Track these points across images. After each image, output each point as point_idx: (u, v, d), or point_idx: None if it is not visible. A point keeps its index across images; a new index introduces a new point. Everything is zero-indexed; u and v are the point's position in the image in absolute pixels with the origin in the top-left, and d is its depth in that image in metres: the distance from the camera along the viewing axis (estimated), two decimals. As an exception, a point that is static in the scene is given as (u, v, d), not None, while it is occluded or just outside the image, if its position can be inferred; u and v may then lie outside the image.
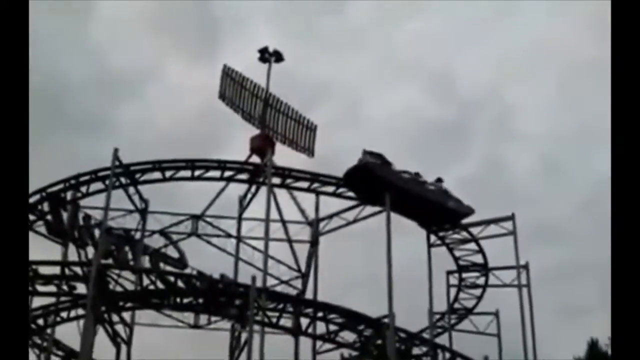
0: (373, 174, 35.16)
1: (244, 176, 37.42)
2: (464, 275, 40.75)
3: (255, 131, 38.06)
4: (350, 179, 35.79)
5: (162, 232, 35.68)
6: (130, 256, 33.86)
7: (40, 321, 34.85)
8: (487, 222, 39.03)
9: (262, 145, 37.20)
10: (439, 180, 37.81)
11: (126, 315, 33.85)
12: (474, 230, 38.96)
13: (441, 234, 38.87)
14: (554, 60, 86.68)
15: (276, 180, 37.05)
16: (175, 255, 34.94)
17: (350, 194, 37.52)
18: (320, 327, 33.65)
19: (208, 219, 36.56)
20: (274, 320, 32.44)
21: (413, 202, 36.41)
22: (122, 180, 35.28)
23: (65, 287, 32.32)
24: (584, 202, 78.97)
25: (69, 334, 34.65)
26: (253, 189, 37.53)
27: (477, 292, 41.08)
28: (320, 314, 33.15)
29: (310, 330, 33.79)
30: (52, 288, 32.31)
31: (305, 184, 38.16)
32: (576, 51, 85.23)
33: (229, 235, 36.73)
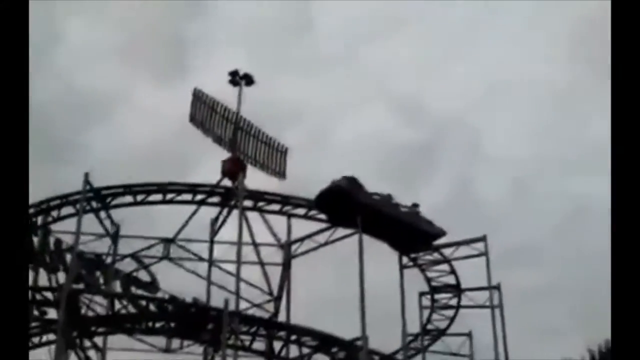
0: (345, 196, 35.17)
1: (215, 199, 37.38)
2: (437, 296, 40.82)
3: (227, 154, 38.03)
4: (322, 201, 35.78)
5: (134, 256, 35.53)
6: (101, 280, 33.69)
7: (11, 347, 34.54)
8: (459, 244, 39.18)
9: (233, 169, 37.15)
10: (415, 205, 37.91)
11: (98, 340, 33.56)
12: (446, 252, 39.08)
13: (413, 255, 38.91)
14: (525, 85, 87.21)
15: (248, 203, 37.03)
16: (147, 279, 34.81)
17: (322, 216, 37.53)
18: (294, 350, 33.56)
19: (180, 243, 36.48)
20: (247, 343, 32.34)
21: (385, 224, 36.43)
22: (93, 204, 35.12)
23: (36, 312, 32.07)
24: (555, 225, 79.35)
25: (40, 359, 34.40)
26: (225, 212, 37.44)
27: (450, 313, 41.15)
28: (293, 337, 33.09)
29: (283, 353, 33.67)
30: (22, 313, 32.01)
31: (277, 207, 38.15)
32: (549, 76, 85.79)
33: (201, 259, 36.65)
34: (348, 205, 35.03)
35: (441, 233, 38.33)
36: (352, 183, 35.49)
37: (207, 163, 43.66)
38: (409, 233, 37.43)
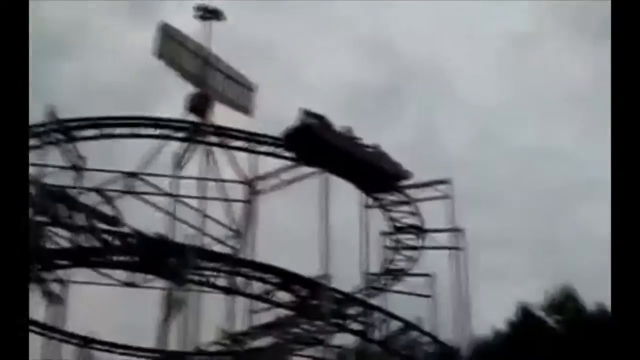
0: (313, 134, 35.13)
1: (181, 134, 37.16)
2: (400, 237, 40.99)
3: (194, 90, 37.73)
4: (291, 139, 35.70)
5: (98, 190, 35.31)
6: (65, 213, 33.56)
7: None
8: (424, 185, 39.29)
9: (199, 104, 36.94)
10: (375, 147, 37.85)
11: (61, 273, 33.52)
12: (411, 193, 39.21)
13: (377, 195, 39.01)
14: (492, 29, 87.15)
15: (213, 139, 36.89)
16: (111, 213, 34.69)
17: (288, 154, 37.47)
18: (256, 287, 33.66)
19: (144, 177, 36.26)
20: (210, 279, 32.39)
21: (351, 163, 36.48)
22: (58, 136, 34.85)
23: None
24: (517, 171, 79.86)
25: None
26: (190, 147, 37.24)
27: (413, 254, 41.38)
28: (256, 274, 33.17)
29: (246, 289, 33.77)
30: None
31: (242, 144, 38.00)
32: (515, 22, 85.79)
33: (165, 194, 36.45)
34: (316, 144, 34.98)
35: (406, 175, 38.41)
36: (320, 122, 35.39)
37: (173, 98, 43.39)
38: (374, 173, 37.49)
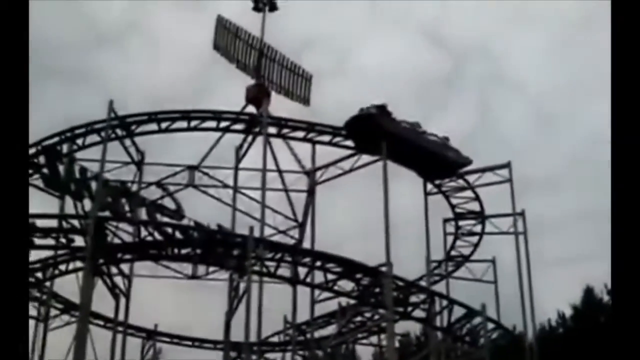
0: (373, 123, 35.11)
1: (240, 126, 37.35)
2: (461, 223, 40.96)
3: (251, 81, 37.93)
4: (351, 127, 35.70)
5: (159, 184, 35.65)
6: (127, 208, 33.84)
7: (39, 274, 34.89)
8: (483, 170, 39.18)
9: (257, 95, 37.12)
10: (446, 138, 37.93)
11: (124, 267, 33.86)
12: (470, 178, 39.13)
13: (438, 182, 38.95)
14: (547, 13, 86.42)
15: (272, 130, 37.03)
16: (172, 206, 34.92)
17: (347, 142, 37.49)
18: (318, 277, 33.63)
19: (204, 170, 36.54)
20: (272, 270, 32.42)
21: (413, 151, 36.50)
22: (118, 132, 35.19)
23: (63, 240, 32.25)
24: (577, 153, 79.18)
25: (67, 286, 34.78)
26: (249, 139, 37.39)
27: (474, 239, 41.28)
28: (317, 264, 33.13)
29: (308, 279, 33.79)
30: (50, 241, 32.18)
31: (301, 134, 38.11)
32: (570, 5, 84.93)
33: (225, 186, 36.69)
34: (376, 132, 34.95)
35: (467, 162, 38.34)
36: (380, 110, 35.41)
37: (231, 90, 43.63)
38: (435, 161, 37.46)
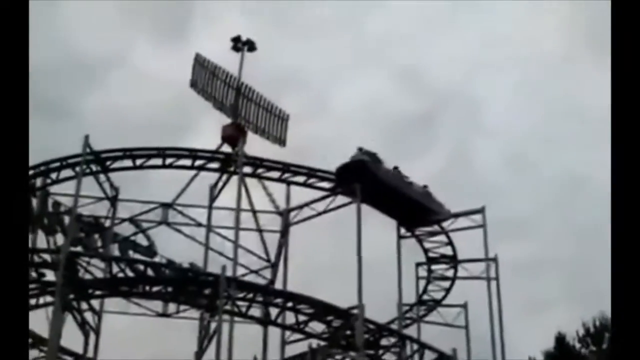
0: (366, 171, 35.66)
1: (215, 165, 37.34)
2: (433, 267, 41.05)
3: (227, 120, 37.97)
4: (343, 174, 35.96)
5: (132, 220, 35.50)
6: (99, 244, 33.74)
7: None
8: (457, 215, 39.33)
9: (233, 135, 37.13)
10: (425, 186, 38.43)
11: (95, 302, 33.61)
12: (444, 223, 39.28)
13: (416, 229, 39.30)
14: (522, 57, 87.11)
15: (247, 169, 37.05)
16: (145, 243, 34.91)
17: (322, 184, 37.61)
18: (290, 317, 33.61)
19: (178, 208, 36.44)
20: (243, 309, 32.36)
21: (399, 201, 37.25)
22: (93, 167, 35.09)
23: (34, 274, 32.05)
24: (551, 198, 79.50)
25: (37, 321, 34.46)
26: (224, 178, 37.36)
27: (446, 284, 41.36)
28: (289, 304, 33.11)
29: (279, 320, 33.74)
30: (20, 275, 31.91)
31: (276, 174, 38.16)
32: (545, 49, 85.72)
33: (199, 224, 36.58)
34: (367, 180, 35.27)
35: (449, 216, 38.80)
36: (372, 158, 35.85)
37: (207, 129, 43.63)
38: (419, 212, 37.94)
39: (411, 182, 37.91)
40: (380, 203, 36.84)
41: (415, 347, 35.35)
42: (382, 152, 36.83)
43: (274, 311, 33.42)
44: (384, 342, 34.49)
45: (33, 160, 34.93)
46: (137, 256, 34.09)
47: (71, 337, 33.12)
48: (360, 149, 36.27)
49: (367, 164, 35.84)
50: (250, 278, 35.81)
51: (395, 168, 37.52)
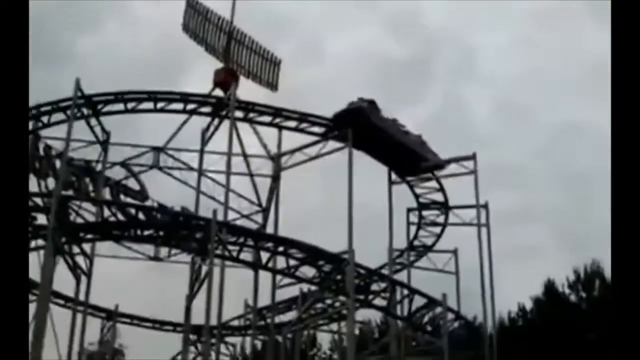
0: (363, 117, 35.73)
1: (206, 109, 37.21)
2: (424, 213, 41.14)
3: (219, 64, 37.82)
4: (339, 120, 35.88)
5: (124, 164, 35.45)
6: (91, 187, 33.71)
7: (0, 251, 34.55)
8: (449, 161, 39.37)
9: (225, 79, 36.99)
10: (419, 136, 38.60)
11: (86, 246, 33.67)
12: (436, 170, 39.35)
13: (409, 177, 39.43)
14: (519, 4, 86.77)
15: (239, 114, 36.89)
16: (136, 187, 34.87)
17: (313, 129, 37.52)
18: (281, 262, 33.72)
19: (170, 152, 36.40)
20: (235, 254, 32.44)
21: (394, 148, 37.46)
22: (84, 111, 34.93)
23: (25, 218, 32.02)
24: (542, 145, 79.60)
25: (29, 265, 34.50)
26: (216, 122, 37.25)
27: (437, 230, 41.49)
28: (280, 249, 33.19)
29: (270, 264, 33.87)
30: (12, 218, 31.82)
31: (268, 119, 38.01)
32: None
33: (190, 168, 36.58)
34: (364, 127, 35.30)
35: (442, 165, 38.89)
36: (370, 105, 35.84)
37: (199, 73, 43.46)
38: (414, 161, 38.05)
39: (407, 131, 37.97)
40: (375, 150, 36.95)
41: (405, 292, 35.55)
42: (375, 98, 36.70)
43: (265, 255, 33.54)
44: (374, 287, 34.65)
45: (25, 103, 34.78)
46: (129, 200, 34.10)
47: (63, 281, 33.25)
48: (360, 99, 36.31)
49: (364, 110, 35.85)
50: (242, 222, 35.89)
51: (394, 120, 37.66)
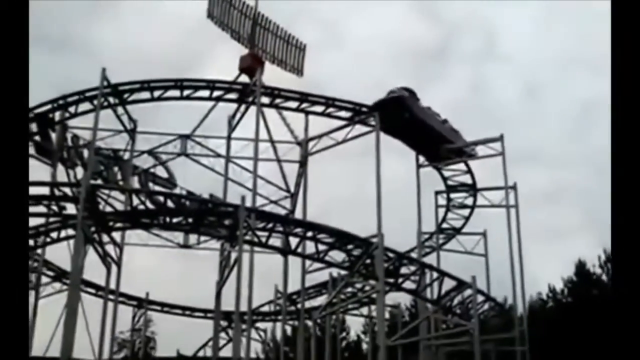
0: (404, 107, 36.40)
1: (233, 96, 37.15)
2: (453, 195, 41.10)
3: (244, 51, 37.79)
4: (381, 109, 36.24)
5: (151, 152, 35.59)
6: (119, 176, 33.85)
7: (31, 242, 34.79)
8: (476, 143, 39.28)
9: (251, 65, 36.93)
10: (445, 121, 38.69)
11: (116, 235, 33.77)
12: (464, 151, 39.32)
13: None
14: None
15: (265, 100, 36.88)
16: (165, 175, 35.05)
17: (340, 114, 37.47)
18: (310, 247, 33.71)
19: (197, 139, 36.45)
20: (263, 239, 32.43)
21: (430, 138, 38.16)
22: (111, 100, 34.99)
23: (55, 208, 32.18)
24: (568, 126, 79.19)
25: (59, 254, 34.75)
26: (242, 108, 37.22)
27: (465, 212, 41.43)
28: (309, 234, 33.16)
29: (299, 249, 33.84)
30: (41, 209, 32.07)
31: (294, 104, 37.94)
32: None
33: (218, 155, 36.60)
34: (405, 116, 35.57)
35: (472, 154, 39.08)
36: (410, 94, 36.17)
37: (224, 59, 43.46)
38: (449, 151, 38.89)
39: (445, 119, 38.46)
40: (407, 136, 37.14)
41: (435, 275, 35.49)
42: (399, 81, 36.73)
43: (293, 241, 33.50)
44: (403, 270, 34.62)
45: (51, 94, 35.01)
46: (157, 188, 34.22)
47: (94, 270, 33.43)
48: (402, 88, 37.14)
49: (405, 99, 36.42)
50: (270, 208, 35.95)
51: (429, 108, 37.91)
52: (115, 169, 33.95)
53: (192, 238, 34.94)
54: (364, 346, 54.80)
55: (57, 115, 35.03)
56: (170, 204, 32.13)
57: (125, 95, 35.53)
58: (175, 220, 32.79)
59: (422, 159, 39.48)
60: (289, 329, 45.28)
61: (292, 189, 37.63)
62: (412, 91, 36.77)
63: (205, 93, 36.74)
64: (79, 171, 32.88)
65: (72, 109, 35.27)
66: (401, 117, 36.09)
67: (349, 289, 39.36)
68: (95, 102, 33.74)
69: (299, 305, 37.70)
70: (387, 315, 43.07)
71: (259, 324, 43.53)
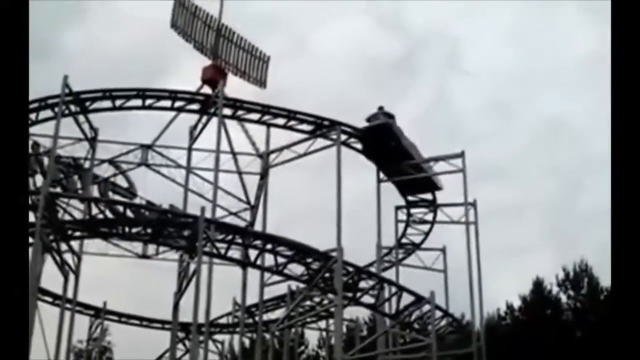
0: (391, 134, 37.77)
1: (195, 107, 37.06)
2: (413, 210, 41.21)
3: (207, 62, 37.73)
4: (369, 134, 37.58)
5: (112, 162, 35.41)
6: (79, 185, 33.64)
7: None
8: (437, 159, 39.40)
9: (213, 76, 36.88)
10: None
11: (74, 244, 33.61)
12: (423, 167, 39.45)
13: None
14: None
15: (227, 111, 36.80)
16: (125, 184, 34.87)
17: (302, 127, 37.51)
18: (269, 260, 33.64)
19: (158, 149, 36.30)
20: (223, 251, 32.37)
21: (407, 168, 38.89)
22: (72, 108, 34.78)
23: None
24: (531, 141, 79.62)
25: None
26: (204, 119, 37.11)
27: (425, 228, 41.56)
28: (268, 246, 33.11)
29: (258, 262, 33.76)
30: (-1, 216, 31.71)
31: (256, 116, 37.92)
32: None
33: (178, 166, 36.47)
34: (390, 144, 37.02)
35: (440, 188, 40.15)
36: (390, 118, 37.97)
37: (189, 69, 43.34)
38: (422, 180, 39.74)
39: (412, 143, 39.38)
40: (387, 163, 38.86)
41: (394, 289, 35.56)
42: (363, 94, 36.99)
43: (253, 253, 33.44)
44: (362, 284, 34.66)
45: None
46: (117, 197, 34.05)
47: (51, 279, 33.19)
48: (380, 108, 38.07)
49: (391, 127, 37.84)
50: (230, 220, 35.77)
51: (380, 107, 38.08)
52: (75, 177, 33.74)
53: (151, 248, 34.79)
54: (322, 360, 54.79)
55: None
56: (129, 213, 31.99)
57: (87, 104, 35.32)
58: (134, 230, 32.66)
59: (382, 174, 39.58)
60: (247, 342, 45.13)
61: (252, 201, 37.50)
62: (391, 115, 37.34)
63: (167, 103, 36.63)
64: (39, 179, 32.62)
65: (32, 116, 34.98)
66: (387, 144, 37.01)
67: (308, 302, 39.39)
68: (57, 109, 33.52)
69: (257, 318, 37.57)
70: (345, 330, 43.03)
71: (216, 336, 43.34)
